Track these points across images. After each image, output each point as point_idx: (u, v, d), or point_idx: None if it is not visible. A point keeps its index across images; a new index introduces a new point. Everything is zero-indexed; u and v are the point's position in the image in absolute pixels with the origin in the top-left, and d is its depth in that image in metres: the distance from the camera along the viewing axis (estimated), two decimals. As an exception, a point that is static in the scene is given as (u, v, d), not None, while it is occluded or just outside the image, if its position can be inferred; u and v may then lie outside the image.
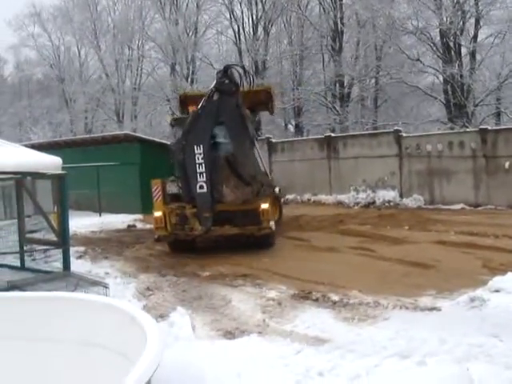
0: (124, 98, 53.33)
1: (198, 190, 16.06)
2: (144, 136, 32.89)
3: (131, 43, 52.90)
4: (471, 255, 15.44)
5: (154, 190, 17.63)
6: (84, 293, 9.50)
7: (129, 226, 25.09)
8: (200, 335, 9.78)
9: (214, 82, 16.53)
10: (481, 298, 10.61)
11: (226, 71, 16.34)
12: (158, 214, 17.48)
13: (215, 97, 16.26)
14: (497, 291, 10.97)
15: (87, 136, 41.74)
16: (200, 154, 15.94)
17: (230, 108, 16.22)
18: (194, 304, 12.02)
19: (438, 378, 6.78)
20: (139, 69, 53.75)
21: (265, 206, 17.08)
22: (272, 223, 17.40)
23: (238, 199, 16.62)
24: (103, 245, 20.26)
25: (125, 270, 15.95)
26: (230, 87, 16.15)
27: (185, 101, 20.11)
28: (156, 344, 5.45)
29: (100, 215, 28.12)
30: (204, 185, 16.03)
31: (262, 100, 20.27)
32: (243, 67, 17.84)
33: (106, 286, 10.75)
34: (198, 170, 15.97)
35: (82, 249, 19.07)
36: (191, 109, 17.05)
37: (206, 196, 16.10)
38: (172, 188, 17.49)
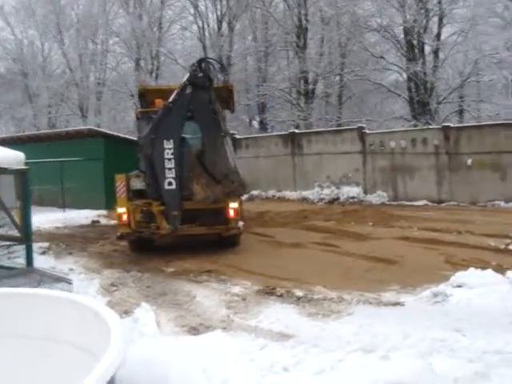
0: (88, 93, 52.82)
1: (167, 187, 15.50)
2: (108, 131, 32.71)
3: (95, 38, 52.33)
4: (434, 251, 15.58)
5: (117, 185, 16.76)
6: (47, 289, 9.44)
7: (93, 222, 25.00)
8: (165, 331, 9.76)
9: (187, 75, 15.99)
10: (443, 293, 10.75)
11: (200, 64, 15.84)
12: (121, 210, 16.65)
13: (188, 90, 15.70)
14: (459, 286, 11.12)
15: (51, 131, 41.32)
16: (170, 149, 15.43)
17: (202, 103, 15.71)
18: (159, 300, 11.99)
19: (402, 373, 6.83)
20: (103, 64, 53.25)
21: (234, 205, 16.53)
22: (241, 223, 16.96)
23: (209, 198, 15.98)
24: (67, 240, 20.13)
25: (89, 265, 15.87)
26: (203, 81, 15.64)
27: (144, 95, 19.47)
28: (120, 340, 5.43)
29: (64, 211, 27.99)
30: (173, 181, 15.48)
31: (223, 97, 19.15)
32: (218, 61, 17.54)
33: (69, 282, 10.69)
34: (166, 166, 15.44)
35: (45, 244, 18.91)
36: (158, 102, 16.71)
37: (174, 193, 15.57)
38: (136, 183, 16.77)
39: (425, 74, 36.24)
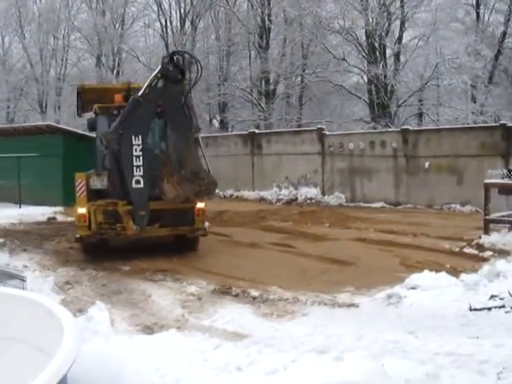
0: (48, 89, 52.40)
1: (134, 185, 14.73)
2: (67, 127, 32.46)
3: (57, 33, 51.91)
4: (390, 253, 15.74)
5: (77, 184, 15.59)
6: (1, 286, 9.36)
7: (49, 219, 24.76)
8: (119, 330, 9.73)
9: (159, 68, 15.11)
10: (398, 295, 10.84)
11: (172, 57, 15.09)
12: (81, 210, 15.46)
13: (160, 84, 14.93)
14: (413, 288, 11.23)
15: (8, 126, 40.90)
16: (138, 145, 14.64)
17: (174, 97, 14.92)
18: (114, 298, 11.94)
19: (354, 374, 6.88)
20: (64, 59, 52.89)
21: (201, 205, 15.93)
22: (207, 224, 16.53)
23: (180, 197, 15.07)
24: (22, 237, 19.92)
25: (44, 263, 15.73)
26: (175, 74, 14.81)
27: (81, 93, 18.69)
28: (73, 338, 5.43)
29: (20, 207, 27.66)
30: (141, 179, 14.71)
31: None
32: (191, 55, 16.89)
33: (23, 279, 10.60)
34: (134, 163, 14.66)
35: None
36: (118, 98, 16.22)
37: (142, 192, 14.82)
38: (96, 183, 15.59)
39: (385, 76, 36.49)
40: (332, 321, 9.68)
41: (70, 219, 21.54)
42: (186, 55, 16.00)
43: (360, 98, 40.33)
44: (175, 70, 14.90)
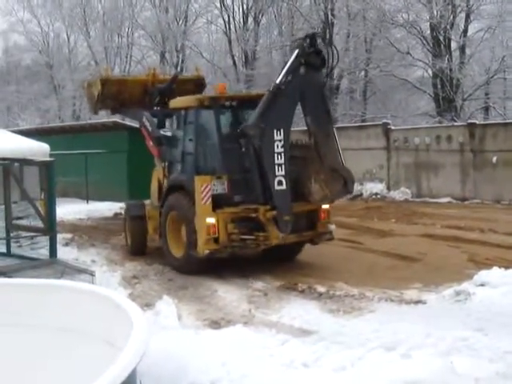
0: (113, 86, 52.99)
1: (277, 187, 13.10)
2: (132, 124, 32.77)
3: (121, 31, 52.58)
4: (457, 249, 15.54)
5: (202, 189, 13.21)
6: (70, 280, 9.49)
7: (116, 214, 24.99)
8: (186, 324, 9.82)
9: (298, 52, 13.49)
10: (466, 292, 10.71)
11: (311, 40, 13.50)
12: (210, 220, 13.17)
13: (302, 70, 13.36)
14: (482, 285, 11.08)
15: (75, 123, 41.54)
16: (280, 140, 13.07)
17: (314, 86, 13.54)
18: (180, 293, 12.05)
19: (422, 371, 6.81)
20: (128, 56, 53.53)
21: (326, 205, 14.26)
22: (333, 227, 14.68)
23: (326, 198, 13.66)
24: (90, 232, 20.21)
25: (111, 257, 15.94)
26: (316, 60, 13.39)
27: (104, 85, 17.53)
28: (142, 332, 5.46)
29: (87, 202, 28.07)
30: (283, 180, 13.09)
31: (191, 90, 16.32)
32: (327, 39, 15.18)
33: (92, 274, 10.74)
34: (276, 161, 13.06)
35: (68, 236, 18.99)
36: (222, 87, 14.58)
37: (285, 194, 13.19)
38: (218, 187, 13.49)
39: (451, 70, 35.93)
40: (399, 317, 9.61)
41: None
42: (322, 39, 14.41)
43: (425, 92, 39.84)
44: (315, 56, 13.50)
